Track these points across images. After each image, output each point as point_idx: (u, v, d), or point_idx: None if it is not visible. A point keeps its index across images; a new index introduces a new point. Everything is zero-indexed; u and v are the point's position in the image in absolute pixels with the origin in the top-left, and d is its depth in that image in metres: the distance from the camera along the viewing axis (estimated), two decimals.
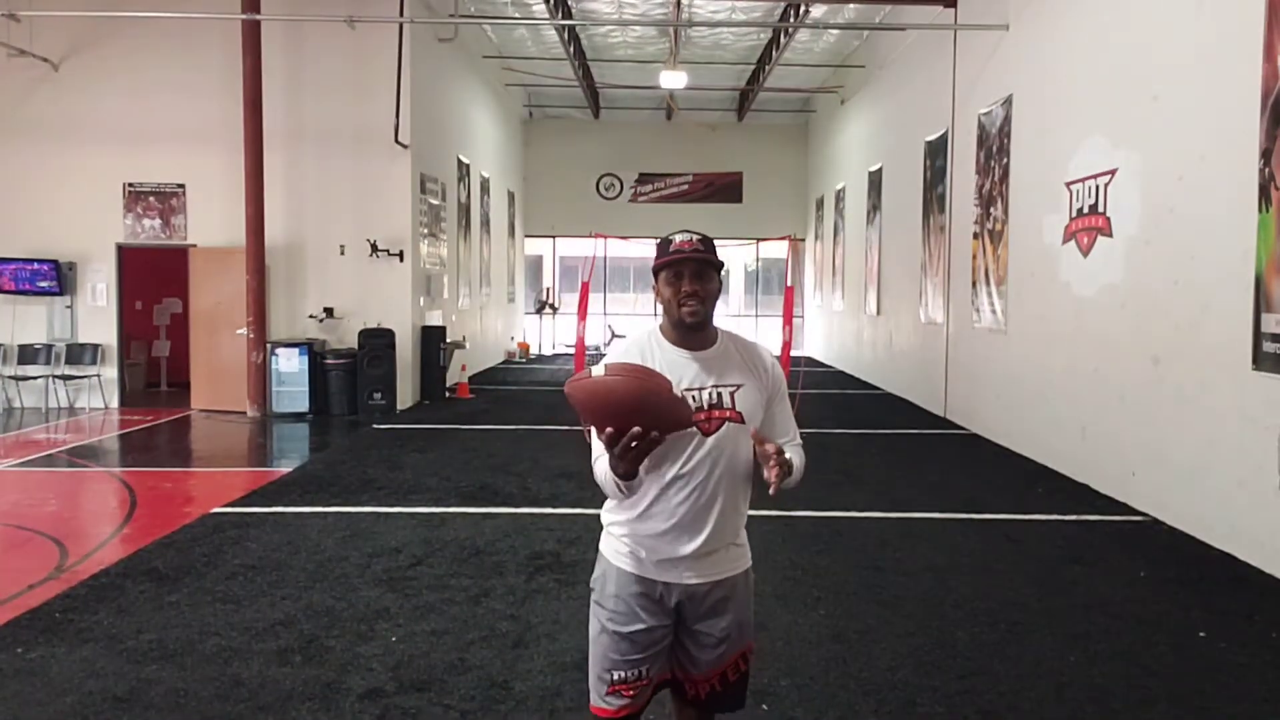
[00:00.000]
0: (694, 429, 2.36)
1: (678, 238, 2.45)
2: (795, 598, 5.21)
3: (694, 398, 2.39)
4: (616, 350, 2.50)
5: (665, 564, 2.45)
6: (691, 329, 2.43)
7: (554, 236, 23.75)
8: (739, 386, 2.44)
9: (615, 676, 2.47)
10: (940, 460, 9.44)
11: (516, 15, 15.95)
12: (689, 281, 2.40)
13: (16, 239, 12.49)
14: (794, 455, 2.47)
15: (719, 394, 2.42)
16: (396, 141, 12.32)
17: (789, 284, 13.67)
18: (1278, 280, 5.68)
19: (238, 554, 5.92)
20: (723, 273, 2.52)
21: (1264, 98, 5.82)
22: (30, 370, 12.61)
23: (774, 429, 2.52)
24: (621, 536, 2.49)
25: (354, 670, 4.17)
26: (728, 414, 2.41)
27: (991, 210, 10.56)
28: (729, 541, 2.49)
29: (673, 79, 17.69)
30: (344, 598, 5.12)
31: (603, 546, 2.56)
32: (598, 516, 2.59)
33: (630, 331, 2.54)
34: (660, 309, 2.51)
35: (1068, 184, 8.62)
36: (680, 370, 2.41)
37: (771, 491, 2.26)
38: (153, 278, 14.10)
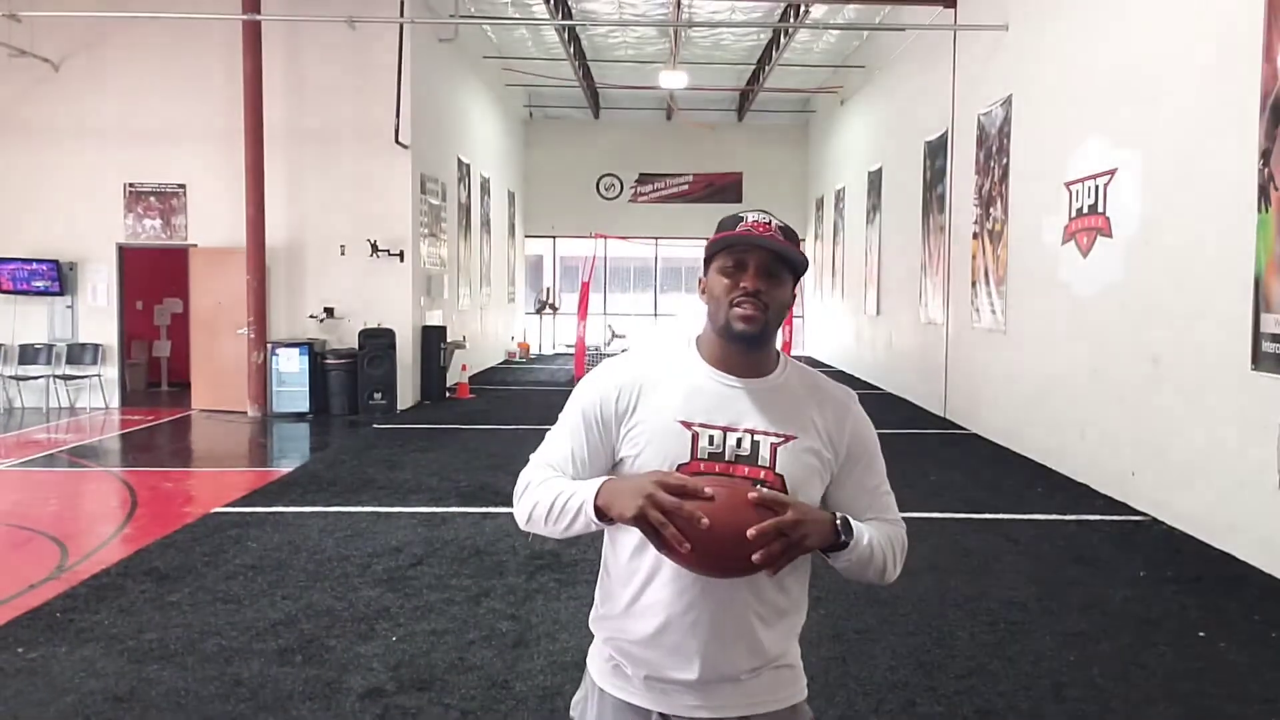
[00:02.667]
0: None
1: (750, 216, 1.73)
2: None
3: (713, 439, 1.68)
4: (628, 358, 1.82)
5: (658, 686, 1.72)
6: (742, 342, 1.70)
7: (554, 236, 23.74)
8: (787, 439, 1.70)
9: None
10: (940, 460, 9.44)
11: (516, 15, 15.94)
12: (753, 276, 1.68)
13: (17, 239, 12.50)
14: (871, 529, 1.72)
15: (754, 443, 1.68)
16: (397, 142, 12.32)
17: None
18: (1277, 280, 5.68)
19: (238, 554, 5.92)
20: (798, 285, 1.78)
21: (1264, 98, 5.82)
22: (31, 370, 12.61)
23: (854, 506, 1.76)
24: (605, 641, 1.79)
25: (354, 670, 4.18)
26: (761, 473, 1.67)
27: (991, 210, 10.57)
28: (760, 659, 1.71)
29: (673, 79, 17.70)
30: (344, 597, 5.12)
31: (588, 658, 1.86)
32: None
33: (663, 341, 1.88)
34: (705, 313, 1.77)
35: (1067, 184, 8.62)
36: (703, 396, 1.71)
37: (766, 567, 1.56)
38: (153, 278, 14.10)
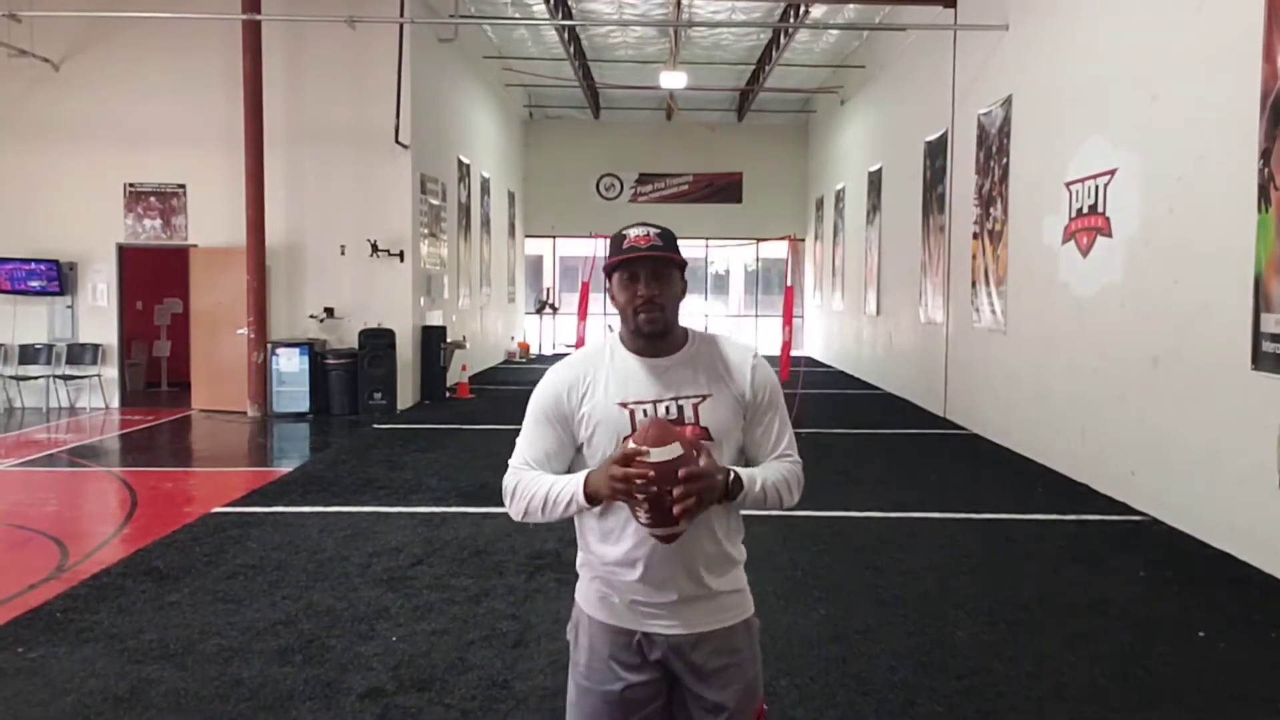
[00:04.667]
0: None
1: (632, 232, 2.13)
2: (795, 598, 5.21)
3: (646, 412, 2.08)
4: (568, 362, 2.22)
5: (640, 610, 2.12)
6: (651, 338, 2.13)
7: (554, 236, 23.76)
8: (704, 398, 2.11)
9: None
10: (940, 460, 9.44)
11: (516, 16, 15.95)
12: (645, 284, 2.08)
13: (17, 239, 12.50)
14: (764, 472, 2.12)
15: (679, 408, 2.09)
16: (397, 142, 12.32)
17: (789, 284, 13.64)
18: (1277, 280, 5.68)
19: (238, 554, 5.92)
20: (687, 270, 2.19)
21: (1263, 98, 5.82)
22: (31, 370, 12.61)
23: (760, 443, 2.18)
24: (592, 580, 2.18)
25: (354, 670, 4.18)
26: (689, 430, 2.07)
27: (991, 210, 10.57)
28: (719, 583, 2.14)
29: (673, 79, 17.69)
30: (344, 597, 5.12)
31: (576, 593, 2.24)
32: None
33: (592, 340, 2.34)
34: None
35: (1067, 184, 8.62)
36: (632, 381, 2.12)
37: (676, 510, 1.92)
38: (153, 278, 14.11)
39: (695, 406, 2.10)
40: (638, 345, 2.16)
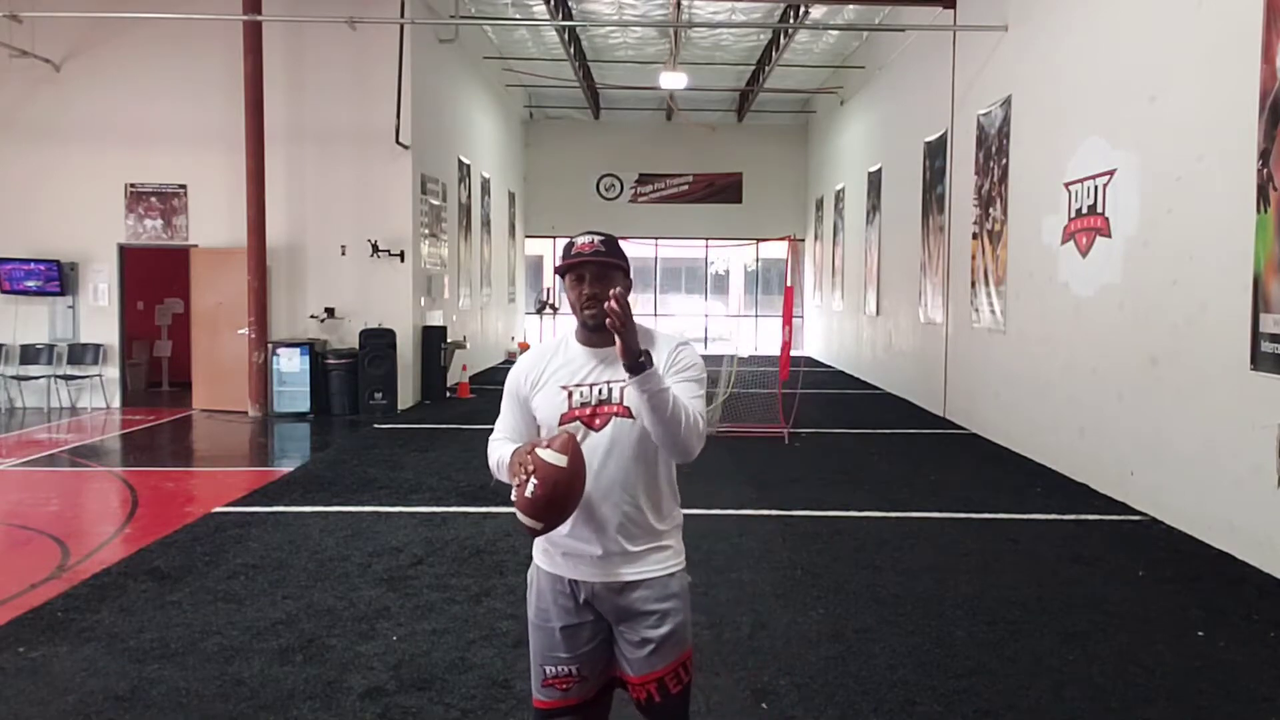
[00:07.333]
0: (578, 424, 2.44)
1: (579, 240, 2.47)
2: (795, 597, 5.23)
3: (582, 394, 2.45)
4: (529, 354, 2.60)
5: (571, 559, 2.49)
6: (595, 330, 2.45)
7: (554, 236, 23.76)
8: None
9: (546, 671, 2.53)
10: (940, 460, 9.45)
11: (517, 16, 15.97)
12: (589, 284, 2.43)
13: (18, 239, 12.51)
14: (674, 389, 2.38)
15: (609, 389, 2.44)
16: (397, 142, 12.34)
17: (789, 284, 13.66)
18: (1276, 280, 5.69)
19: (239, 553, 5.93)
20: (631, 272, 2.54)
21: (1262, 98, 5.83)
22: (32, 370, 12.63)
23: None
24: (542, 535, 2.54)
25: (355, 669, 4.19)
26: (614, 409, 2.43)
27: (990, 210, 10.58)
28: (641, 541, 2.46)
29: (672, 80, 17.71)
30: (345, 597, 5.13)
31: (533, 548, 2.62)
32: None
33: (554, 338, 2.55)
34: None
35: (1066, 184, 8.63)
36: (576, 367, 2.49)
37: (609, 312, 2.24)
38: (154, 278, 14.13)
39: (622, 389, 2.43)
40: (585, 337, 2.51)
